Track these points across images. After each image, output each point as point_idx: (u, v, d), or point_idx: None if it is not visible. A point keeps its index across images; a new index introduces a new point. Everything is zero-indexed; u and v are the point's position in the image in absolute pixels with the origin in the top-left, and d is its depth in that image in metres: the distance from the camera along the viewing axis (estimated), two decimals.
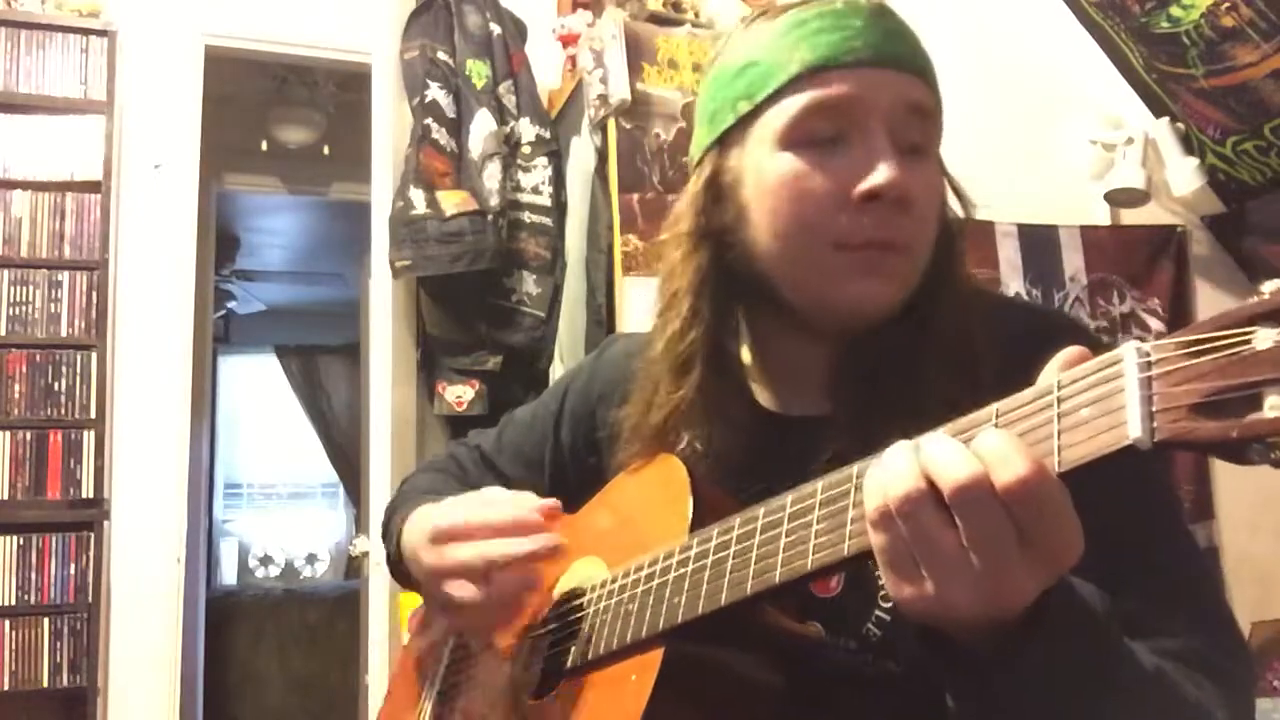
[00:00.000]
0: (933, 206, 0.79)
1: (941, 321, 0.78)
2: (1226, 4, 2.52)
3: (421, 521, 0.90)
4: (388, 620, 2.45)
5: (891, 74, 0.77)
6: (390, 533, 1.00)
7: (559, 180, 2.66)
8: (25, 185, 2.59)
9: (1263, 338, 0.43)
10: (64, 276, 2.58)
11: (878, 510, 0.54)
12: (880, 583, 0.71)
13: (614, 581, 0.78)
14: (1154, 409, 0.46)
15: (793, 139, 0.78)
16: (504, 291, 2.59)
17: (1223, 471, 2.98)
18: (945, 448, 0.52)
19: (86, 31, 2.67)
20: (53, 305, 2.57)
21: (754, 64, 0.80)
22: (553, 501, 0.83)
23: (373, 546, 2.54)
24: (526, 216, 2.61)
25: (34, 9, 2.68)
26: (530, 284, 2.60)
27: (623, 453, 0.89)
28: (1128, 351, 0.48)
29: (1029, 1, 3.16)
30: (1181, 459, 2.93)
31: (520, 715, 0.84)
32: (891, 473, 0.54)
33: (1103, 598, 0.61)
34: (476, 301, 2.57)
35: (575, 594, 0.84)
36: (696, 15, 2.64)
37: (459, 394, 2.59)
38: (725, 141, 0.82)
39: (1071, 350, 0.52)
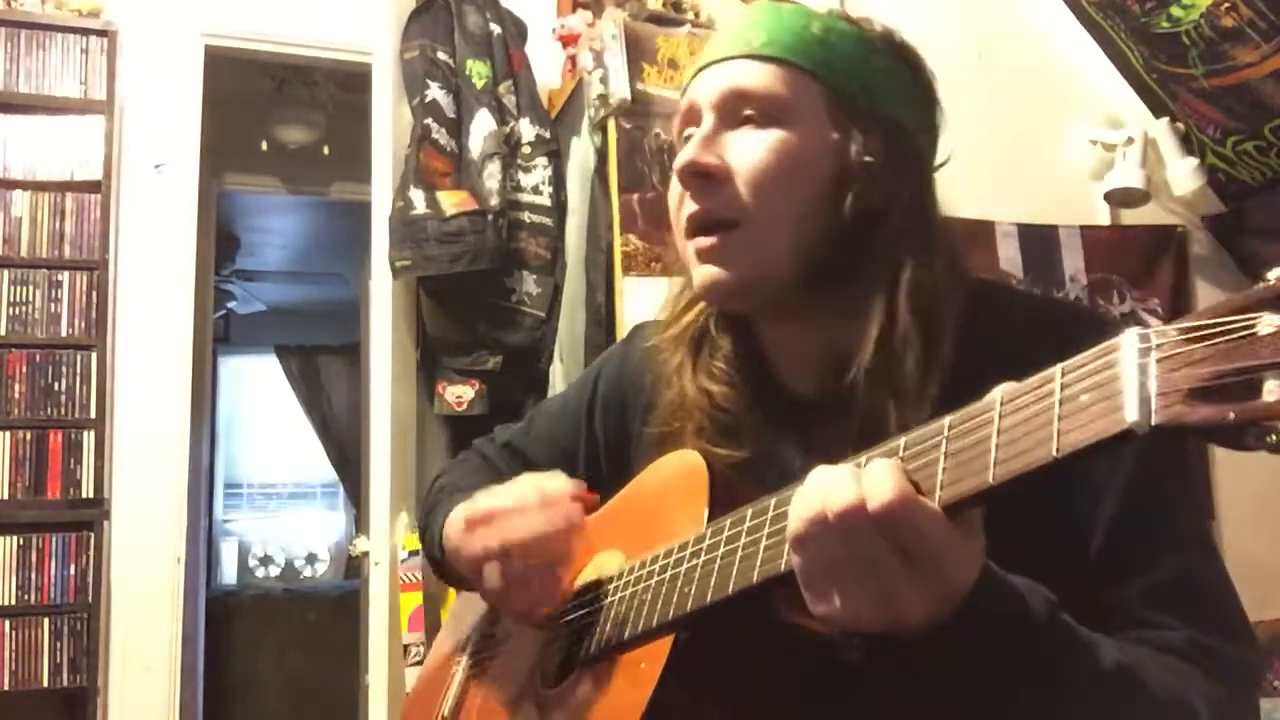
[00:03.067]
0: (765, 177, 0.81)
1: (864, 313, 0.80)
2: (1226, 4, 2.52)
3: (458, 516, 0.92)
4: (388, 620, 2.45)
5: (725, 65, 0.85)
6: (430, 534, 1.01)
7: (559, 180, 2.66)
8: (25, 185, 2.59)
9: (1266, 323, 0.43)
10: (64, 276, 2.58)
11: (791, 532, 0.58)
12: None
13: (631, 572, 0.79)
14: (1151, 394, 0.46)
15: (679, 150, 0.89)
16: (504, 291, 2.58)
17: (1223, 471, 2.98)
18: (837, 478, 0.57)
19: (86, 31, 2.67)
20: (53, 305, 2.57)
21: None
22: (576, 483, 0.85)
23: (373, 546, 2.54)
24: (526, 216, 2.61)
25: (34, 9, 2.68)
26: (530, 284, 2.60)
27: (657, 433, 0.91)
28: (1128, 338, 0.48)
29: (1029, 1, 3.16)
30: None
31: (536, 703, 0.85)
32: (804, 497, 0.58)
33: (1050, 604, 0.63)
34: (476, 301, 2.57)
35: (595, 585, 0.85)
36: (696, 15, 2.64)
37: (459, 394, 2.58)
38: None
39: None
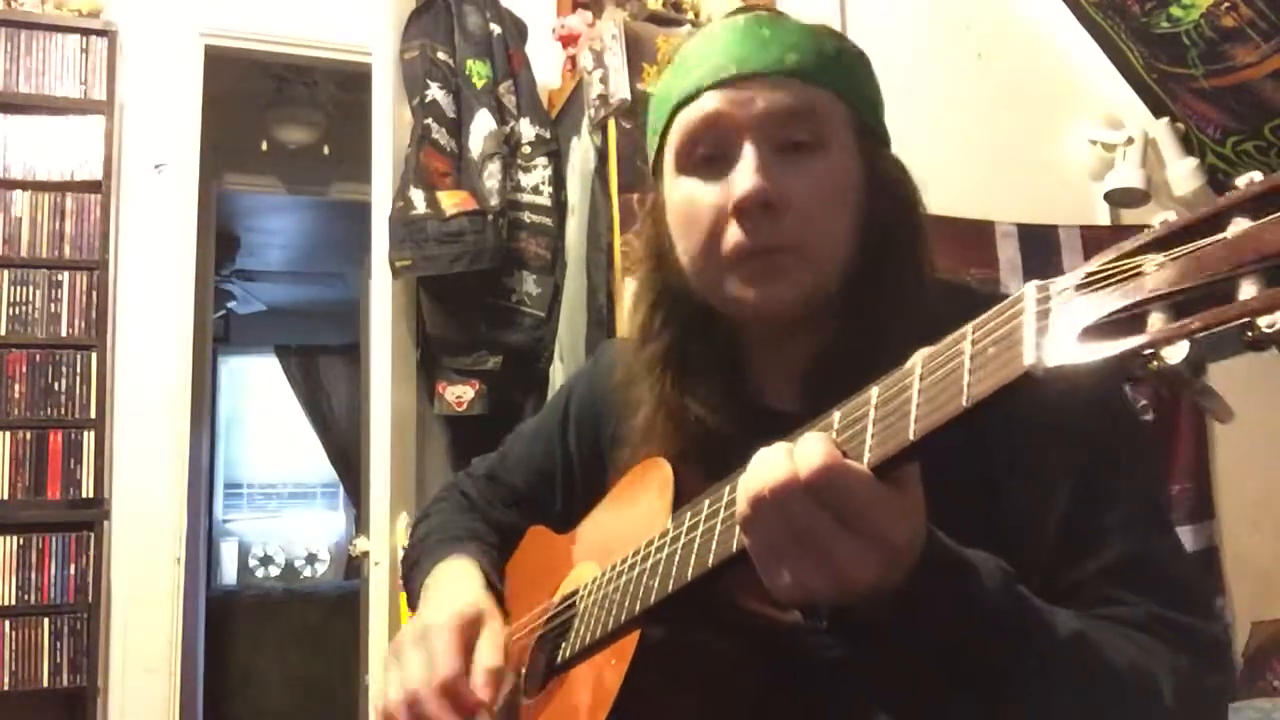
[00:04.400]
0: (822, 200, 0.81)
1: (883, 314, 0.81)
2: (1226, 4, 2.52)
3: (425, 598, 0.94)
4: (388, 620, 2.45)
5: (759, 83, 0.82)
6: (413, 589, 1.04)
7: (559, 180, 2.66)
8: (25, 185, 2.59)
9: (1148, 263, 0.47)
10: (64, 276, 2.59)
11: (739, 514, 0.60)
12: None
13: (602, 576, 0.80)
14: (1046, 338, 0.49)
15: (683, 164, 0.85)
16: (504, 291, 2.59)
17: (1222, 471, 2.98)
18: (771, 454, 0.59)
19: (86, 31, 2.67)
20: (53, 305, 2.57)
21: (659, 96, 0.89)
22: (496, 666, 0.82)
23: (373, 546, 2.54)
24: (526, 216, 2.61)
25: (34, 9, 2.68)
26: (530, 284, 2.60)
27: (630, 453, 0.91)
28: (1029, 289, 0.51)
29: (1029, 1, 3.17)
30: (1183, 459, 2.93)
31: (518, 713, 0.86)
32: (744, 483, 0.59)
33: (1005, 575, 0.64)
34: (476, 301, 2.57)
35: (571, 595, 0.86)
36: (696, 15, 2.64)
37: (459, 394, 2.58)
38: (654, 169, 0.90)
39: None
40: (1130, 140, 3.01)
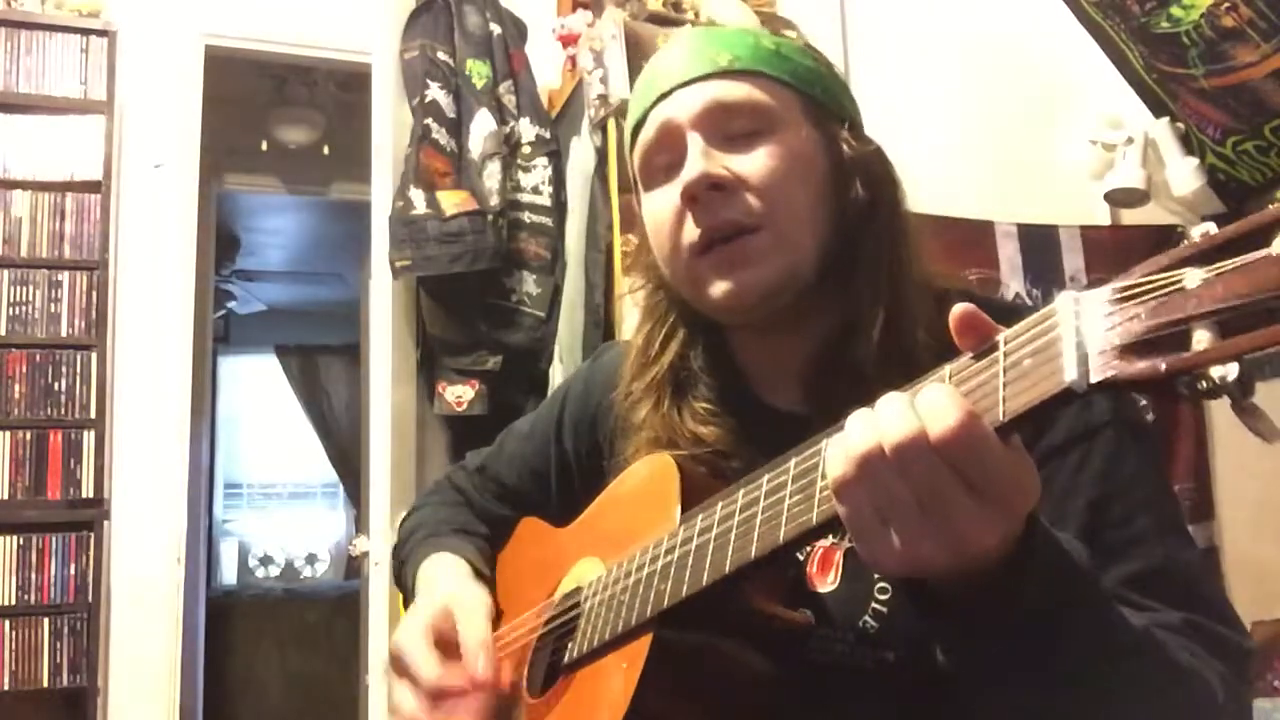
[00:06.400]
0: (777, 176, 0.82)
1: (873, 303, 0.81)
2: (1226, 4, 2.51)
3: (419, 590, 0.97)
4: (388, 620, 2.45)
5: (696, 85, 0.85)
6: (404, 585, 1.05)
7: (559, 180, 2.66)
8: (25, 185, 2.59)
9: (1191, 277, 0.45)
10: (64, 276, 2.59)
11: (836, 479, 0.55)
12: (877, 576, 0.76)
13: (608, 575, 0.80)
14: (1087, 353, 0.48)
15: (646, 180, 0.89)
16: (504, 291, 2.58)
17: (1223, 472, 2.98)
18: (889, 409, 0.54)
19: (86, 31, 2.67)
20: (53, 305, 2.57)
21: (628, 133, 0.92)
22: (489, 669, 0.83)
23: (373, 546, 2.54)
24: (526, 216, 2.61)
25: (34, 9, 2.68)
26: (530, 284, 2.60)
27: (625, 450, 0.91)
28: (1064, 301, 0.50)
29: (1029, 1, 3.16)
30: (1183, 459, 2.93)
31: (523, 712, 0.85)
32: (848, 439, 0.55)
33: (1090, 554, 0.63)
34: (476, 301, 2.57)
35: (575, 593, 0.85)
36: (696, 15, 2.64)
37: (459, 394, 2.58)
38: (638, 189, 0.93)
39: (960, 307, 0.55)
40: (1130, 140, 3.01)
